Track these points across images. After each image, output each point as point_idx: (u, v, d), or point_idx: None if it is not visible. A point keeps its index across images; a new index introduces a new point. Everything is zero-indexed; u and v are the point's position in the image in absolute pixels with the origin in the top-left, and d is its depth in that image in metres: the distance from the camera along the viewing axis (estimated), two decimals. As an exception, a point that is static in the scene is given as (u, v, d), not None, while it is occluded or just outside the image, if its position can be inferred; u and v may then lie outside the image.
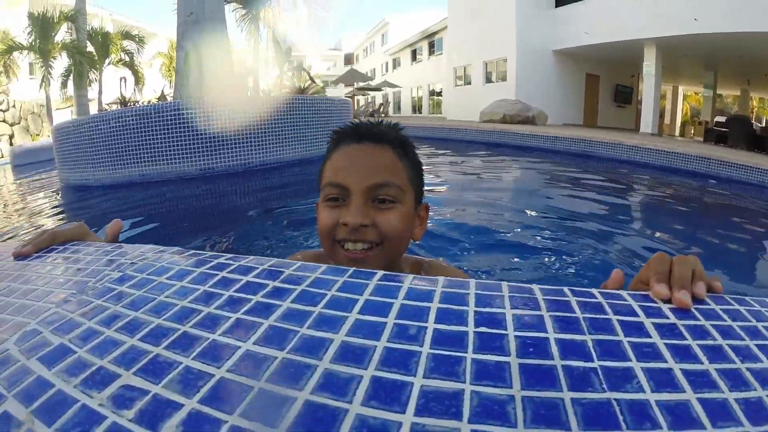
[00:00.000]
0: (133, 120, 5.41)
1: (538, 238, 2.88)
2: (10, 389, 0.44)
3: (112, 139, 5.49)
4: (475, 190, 4.70)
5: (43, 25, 16.57)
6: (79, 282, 0.71)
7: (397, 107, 34.80)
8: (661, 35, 14.16)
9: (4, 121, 18.63)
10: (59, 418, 0.39)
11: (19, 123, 19.43)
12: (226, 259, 0.72)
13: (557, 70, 18.47)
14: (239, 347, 0.47)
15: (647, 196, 5.23)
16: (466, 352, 0.44)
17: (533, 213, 3.58)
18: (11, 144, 17.84)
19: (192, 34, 6.89)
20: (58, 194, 6.19)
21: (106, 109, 15.12)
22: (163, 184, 5.23)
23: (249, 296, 0.58)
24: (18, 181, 9.29)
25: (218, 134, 5.43)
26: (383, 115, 23.17)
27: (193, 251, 0.78)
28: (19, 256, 0.89)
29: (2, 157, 17.11)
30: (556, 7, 18.06)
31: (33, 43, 16.81)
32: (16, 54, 17.41)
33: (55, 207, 5.37)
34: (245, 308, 0.55)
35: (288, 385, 0.41)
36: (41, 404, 0.41)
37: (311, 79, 25.25)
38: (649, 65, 15.06)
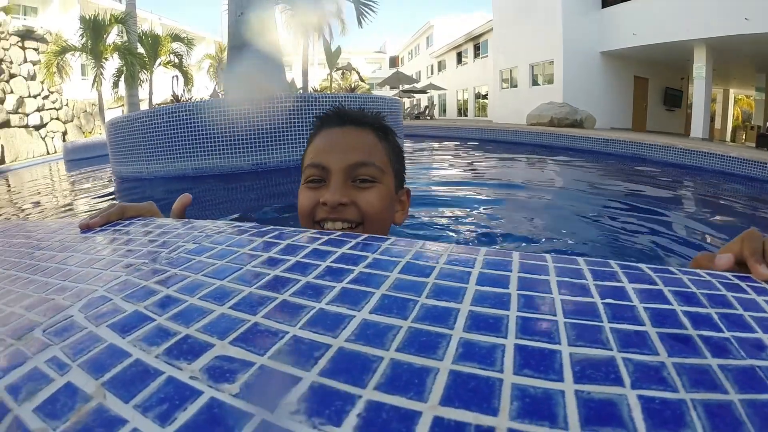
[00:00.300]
0: (186, 115, 5.49)
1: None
2: (75, 358, 0.38)
3: (165, 133, 5.58)
4: (534, 191, 4.58)
5: (94, 28, 17.05)
6: (151, 252, 0.64)
7: (443, 110, 34.55)
8: (711, 36, 13.56)
9: (57, 119, 19.29)
10: (140, 392, 0.32)
11: (71, 121, 20.07)
12: (312, 233, 0.65)
13: (605, 72, 17.98)
14: (353, 316, 0.40)
15: (705, 198, 5.02)
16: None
17: (595, 214, 3.47)
18: (64, 140, 18.42)
19: (242, 32, 6.97)
20: (111, 185, 6.39)
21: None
22: (216, 178, 5.27)
23: (350, 267, 0.51)
24: (71, 174, 9.56)
25: (270, 131, 5.44)
26: (428, 117, 23.12)
27: (272, 226, 0.71)
28: (87, 228, 0.85)
29: (56, 152, 17.79)
30: (603, 7, 17.59)
31: (85, 45, 17.30)
32: (68, 55, 17.86)
33: (109, 196, 5.52)
34: (349, 278, 0.48)
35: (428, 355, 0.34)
36: (115, 376, 0.34)
37: (360, 78, 25.37)
38: (699, 67, 14.50)
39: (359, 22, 12.28)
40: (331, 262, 0.53)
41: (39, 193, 6.78)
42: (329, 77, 26.28)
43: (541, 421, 0.27)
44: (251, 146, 5.42)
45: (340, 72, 27.42)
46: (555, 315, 0.39)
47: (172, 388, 0.32)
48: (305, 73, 16.44)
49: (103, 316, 0.45)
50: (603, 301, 0.42)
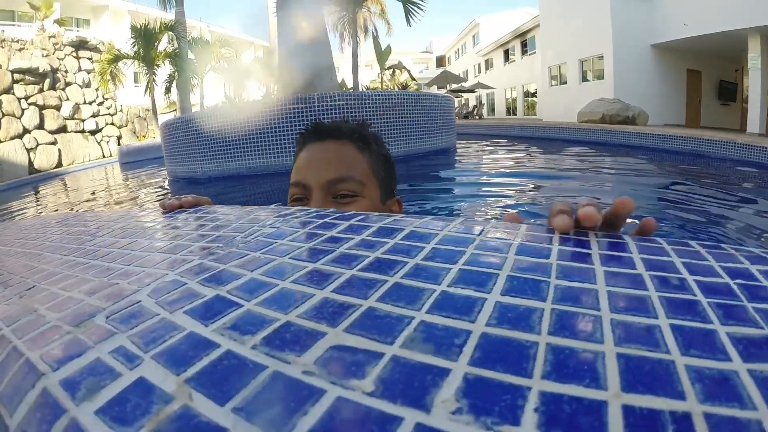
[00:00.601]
0: (240, 116, 5.57)
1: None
2: (147, 348, 0.30)
3: (219, 134, 5.67)
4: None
5: (146, 36, 17.57)
6: (224, 237, 0.58)
7: (491, 109, 34.02)
8: (765, 24, 12.93)
9: (112, 123, 19.91)
10: (239, 392, 0.24)
11: (126, 126, 20.70)
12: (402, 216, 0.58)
13: (656, 66, 17.25)
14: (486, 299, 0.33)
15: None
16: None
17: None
18: (119, 144, 19.05)
19: (292, 32, 7.04)
20: (165, 184, 6.57)
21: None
22: (270, 177, 5.30)
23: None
24: (125, 174, 9.88)
25: None
26: (477, 117, 22.93)
27: (355, 212, 0.64)
28: (165, 210, 0.85)
29: (111, 155, 18.53)
30: None
31: (137, 53, 17.85)
32: (121, 63, 18.47)
33: (164, 194, 5.60)
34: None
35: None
36: (202, 370, 0.27)
37: (411, 77, 25.42)
38: (754, 58, 13.69)
39: (408, 21, 12.24)
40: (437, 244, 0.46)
41: (93, 193, 6.95)
42: (380, 76, 26.38)
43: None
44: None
45: (390, 71, 27.50)
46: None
47: (284, 386, 0.25)
48: (355, 72, 16.44)
49: (178, 301, 0.38)
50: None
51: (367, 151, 1.08)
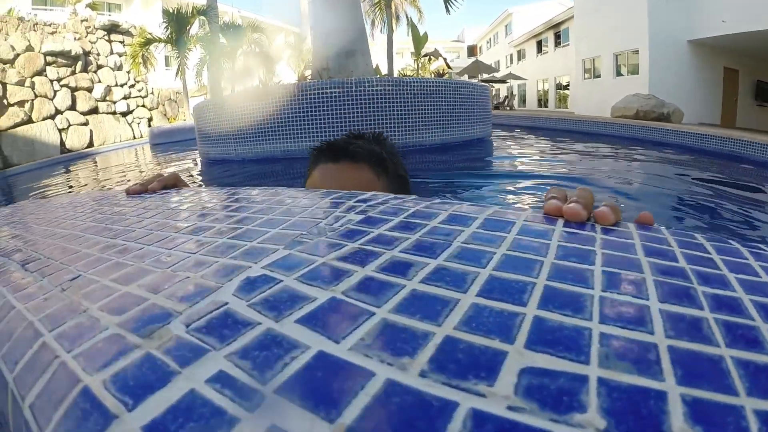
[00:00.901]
0: (275, 98, 5.56)
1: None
2: (265, 377, 0.21)
3: (254, 116, 5.68)
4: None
5: (178, 20, 17.79)
6: (304, 222, 0.48)
7: (522, 101, 33.58)
8: None
9: (143, 106, 20.14)
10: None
11: (156, 108, 20.90)
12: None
13: (692, 63, 16.78)
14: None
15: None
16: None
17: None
18: (149, 126, 19.36)
19: (327, 15, 7.07)
20: (196, 164, 6.74)
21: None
22: (304, 161, 5.21)
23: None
24: (157, 155, 10.07)
25: (361, 115, 5.41)
26: (508, 108, 22.71)
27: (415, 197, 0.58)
28: (135, 194, 0.84)
29: (141, 137, 18.86)
30: None
31: (169, 37, 18.11)
32: (152, 47, 18.73)
33: (199, 174, 5.82)
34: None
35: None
36: (364, 414, 0.19)
37: (447, 65, 25.31)
38: None
39: (447, 9, 12.12)
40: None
41: (123, 172, 6.98)
42: (416, 63, 26.29)
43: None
44: (340, 129, 5.37)
45: (426, 58, 27.43)
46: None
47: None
48: (390, 59, 16.33)
49: (280, 305, 0.29)
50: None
51: (384, 175, 1.02)
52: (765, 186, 4.81)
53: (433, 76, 23.97)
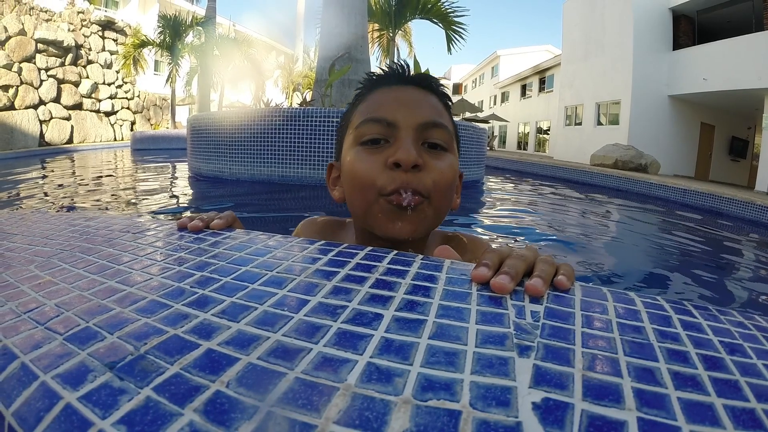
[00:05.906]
0: (277, 121, 5.41)
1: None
2: None
3: (253, 136, 5.53)
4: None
5: (173, 26, 17.74)
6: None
7: (502, 141, 34.35)
8: None
9: (128, 108, 19.97)
10: None
11: (141, 112, 20.68)
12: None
13: (672, 116, 17.35)
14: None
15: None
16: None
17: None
18: (132, 129, 19.27)
19: (335, 47, 7.27)
20: (182, 179, 6.48)
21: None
22: (304, 188, 5.18)
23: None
24: (137, 162, 9.86)
25: None
26: (489, 148, 22.96)
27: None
28: (183, 228, 0.75)
29: (122, 139, 18.79)
30: (674, 49, 17.04)
31: (164, 42, 18.01)
32: (145, 50, 18.68)
33: (186, 192, 5.52)
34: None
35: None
36: None
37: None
38: None
39: (449, 49, 12.30)
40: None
41: (100, 178, 6.82)
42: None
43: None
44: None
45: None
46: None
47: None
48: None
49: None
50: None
51: (449, 111, 0.92)
52: (742, 242, 5.02)
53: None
